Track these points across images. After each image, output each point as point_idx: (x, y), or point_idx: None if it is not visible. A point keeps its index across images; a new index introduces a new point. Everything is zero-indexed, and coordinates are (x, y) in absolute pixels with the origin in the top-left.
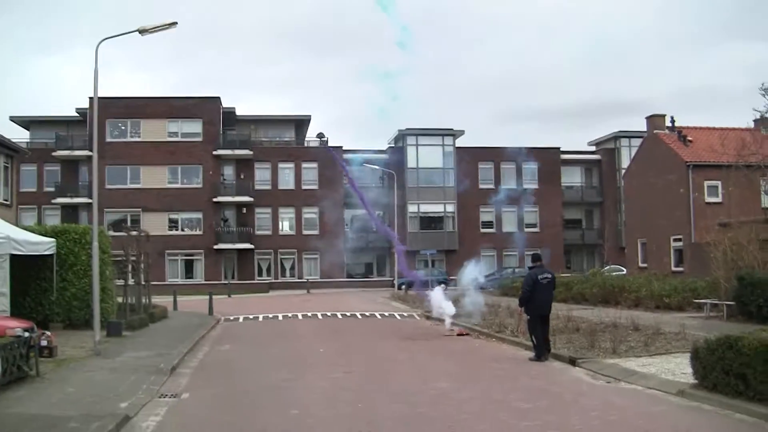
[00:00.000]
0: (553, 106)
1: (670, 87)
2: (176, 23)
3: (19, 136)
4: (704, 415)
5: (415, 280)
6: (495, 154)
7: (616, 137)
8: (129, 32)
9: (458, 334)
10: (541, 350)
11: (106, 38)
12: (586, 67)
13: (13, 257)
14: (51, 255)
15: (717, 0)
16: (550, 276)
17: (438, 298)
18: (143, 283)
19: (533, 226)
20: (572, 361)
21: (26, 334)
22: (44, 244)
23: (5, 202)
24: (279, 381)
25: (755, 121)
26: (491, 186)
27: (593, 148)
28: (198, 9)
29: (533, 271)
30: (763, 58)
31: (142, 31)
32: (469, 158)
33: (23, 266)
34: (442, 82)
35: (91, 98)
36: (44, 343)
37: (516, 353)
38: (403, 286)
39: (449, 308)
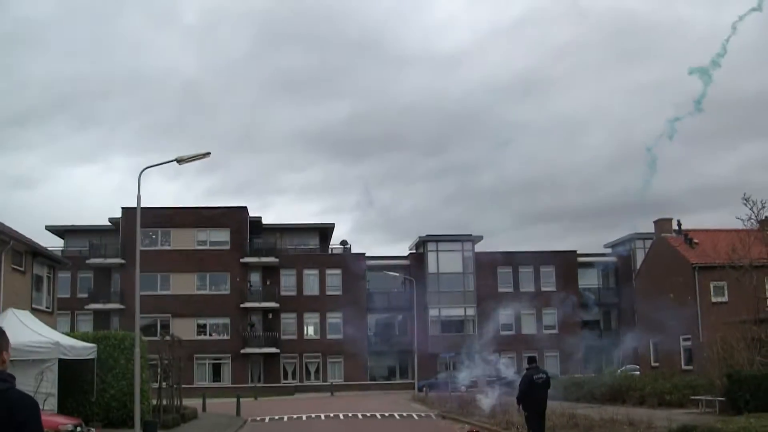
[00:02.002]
0: (579, 207)
1: (693, 185)
2: (209, 153)
3: (54, 244)
4: None
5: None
6: (513, 259)
7: (631, 239)
8: (168, 161)
9: None
10: None
11: (148, 167)
12: (611, 168)
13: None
14: (93, 359)
15: (733, 99)
16: (544, 376)
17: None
18: (175, 385)
19: (552, 327)
20: None
21: (78, 429)
22: (87, 349)
23: (47, 309)
24: None
25: (760, 221)
26: (510, 289)
27: (609, 251)
28: (233, 118)
29: (529, 371)
30: None
31: (179, 161)
32: (488, 263)
33: (66, 369)
34: (469, 183)
35: (124, 208)
36: None
37: None
38: (424, 388)
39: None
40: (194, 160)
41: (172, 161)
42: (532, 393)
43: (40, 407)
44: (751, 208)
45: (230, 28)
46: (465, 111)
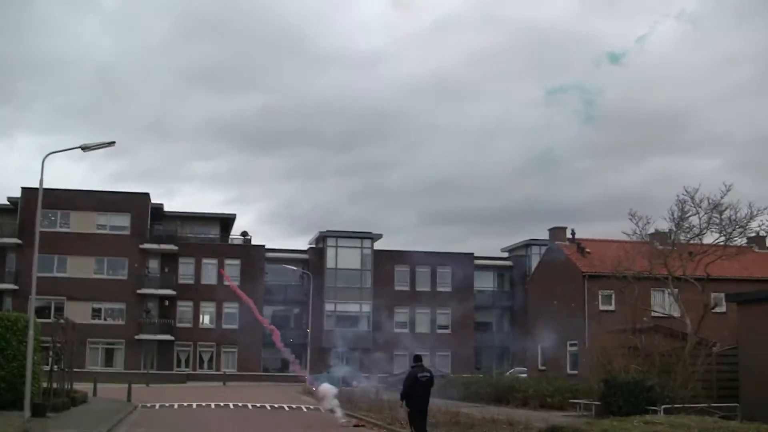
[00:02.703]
0: (486, 209)
1: (597, 195)
2: (114, 142)
3: None
4: None
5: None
6: (411, 258)
7: (527, 245)
8: (72, 148)
9: (354, 425)
10: None
11: (52, 152)
12: (518, 174)
13: None
14: None
15: (639, 117)
16: (428, 375)
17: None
18: (66, 369)
19: (446, 327)
20: None
21: None
22: None
23: None
24: None
25: (650, 235)
26: (406, 288)
27: (506, 255)
28: (145, 104)
29: (414, 369)
30: (681, 170)
31: (84, 148)
32: (386, 260)
33: None
34: (377, 182)
35: (24, 188)
36: None
37: None
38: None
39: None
40: (99, 148)
41: (76, 148)
42: (416, 390)
43: None
44: (636, 224)
45: (150, 15)
46: (379, 111)
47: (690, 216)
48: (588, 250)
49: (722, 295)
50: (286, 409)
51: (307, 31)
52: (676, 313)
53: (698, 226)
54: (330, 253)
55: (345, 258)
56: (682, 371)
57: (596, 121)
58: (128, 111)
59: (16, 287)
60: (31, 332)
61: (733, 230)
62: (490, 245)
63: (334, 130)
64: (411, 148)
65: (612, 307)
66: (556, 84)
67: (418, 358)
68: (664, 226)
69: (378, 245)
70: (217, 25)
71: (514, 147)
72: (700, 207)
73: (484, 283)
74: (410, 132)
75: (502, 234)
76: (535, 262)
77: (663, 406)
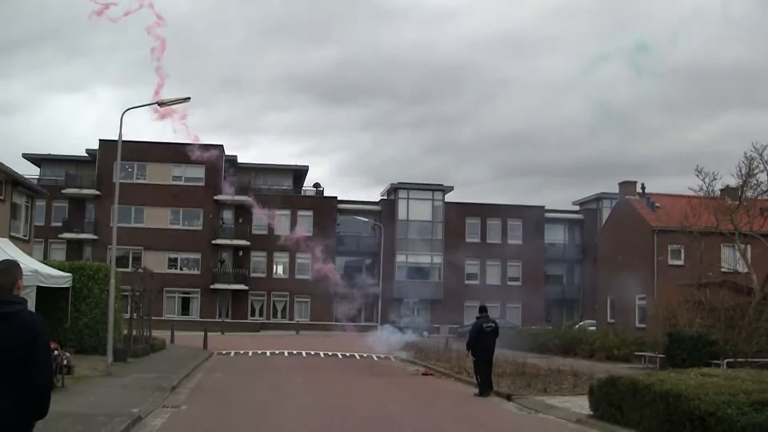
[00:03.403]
0: (558, 163)
1: (669, 150)
2: (189, 98)
3: (30, 172)
4: None
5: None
6: (481, 210)
7: (598, 198)
8: (149, 104)
9: (423, 374)
10: (484, 387)
11: (130, 108)
12: (591, 128)
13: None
14: (68, 288)
15: (714, 70)
16: (493, 325)
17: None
18: (145, 317)
19: (516, 279)
20: (508, 397)
21: (54, 353)
22: (63, 278)
23: (24, 237)
24: (261, 402)
25: (721, 190)
26: (477, 240)
27: (577, 208)
28: (220, 58)
29: (479, 320)
30: (758, 124)
31: (160, 104)
32: (458, 213)
33: (43, 296)
34: (450, 134)
35: (102, 140)
36: (65, 362)
37: (467, 390)
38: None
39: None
40: (175, 103)
41: (153, 104)
42: (481, 341)
43: None
44: (703, 179)
45: None
46: (452, 65)
47: (758, 173)
48: (658, 204)
49: None
50: (357, 357)
51: None
52: (744, 269)
53: (766, 183)
54: (401, 204)
55: (416, 210)
56: (747, 326)
57: (668, 77)
58: (204, 64)
59: (95, 237)
60: (112, 281)
61: None
62: (562, 198)
63: (408, 83)
64: (483, 102)
65: (681, 262)
66: (629, 40)
67: (483, 309)
68: (732, 182)
69: (449, 197)
70: None
71: (587, 102)
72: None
73: (555, 235)
74: (483, 86)
75: (574, 186)
76: (605, 215)
77: (726, 360)
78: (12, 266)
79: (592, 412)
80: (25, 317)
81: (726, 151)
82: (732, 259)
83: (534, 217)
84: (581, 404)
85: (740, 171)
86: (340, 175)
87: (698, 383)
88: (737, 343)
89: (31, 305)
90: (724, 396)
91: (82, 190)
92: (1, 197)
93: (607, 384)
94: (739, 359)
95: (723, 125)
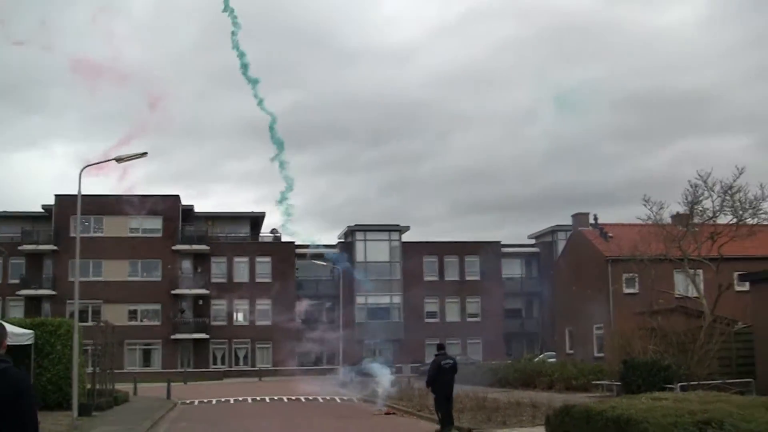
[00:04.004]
0: (515, 197)
1: (626, 178)
2: (146, 153)
3: None
4: None
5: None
6: (439, 248)
7: (553, 231)
8: (107, 160)
9: (386, 413)
10: (445, 423)
11: (87, 165)
12: (546, 159)
13: None
14: (30, 345)
15: (664, 101)
16: (451, 362)
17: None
18: (108, 370)
19: (475, 316)
20: (469, 431)
21: None
22: (25, 336)
23: None
24: None
25: (672, 217)
26: (435, 278)
27: (533, 241)
28: (177, 107)
29: (438, 357)
30: (713, 150)
31: (118, 160)
32: (415, 252)
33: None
34: (408, 174)
35: (57, 195)
36: None
37: (429, 427)
38: (351, 374)
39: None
40: (132, 159)
41: (110, 160)
42: (441, 377)
43: None
44: (650, 209)
45: (180, 19)
46: (408, 103)
47: (703, 199)
48: (610, 234)
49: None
50: (320, 400)
51: (334, 27)
52: (695, 294)
53: (711, 209)
54: (359, 246)
55: (374, 251)
56: (698, 350)
57: (621, 105)
58: (160, 114)
59: (53, 292)
60: (76, 336)
61: (744, 212)
62: (520, 231)
63: (365, 124)
64: (441, 139)
65: (635, 290)
66: (582, 72)
67: (441, 347)
68: (681, 209)
69: (406, 237)
70: (245, 27)
71: (543, 134)
72: (712, 190)
73: (513, 269)
74: (440, 123)
75: (531, 220)
76: (561, 247)
77: (679, 384)
78: None
79: None
80: (12, 374)
81: (682, 177)
82: (685, 284)
83: (491, 253)
84: None
85: (686, 198)
86: (299, 219)
87: (648, 407)
88: (690, 366)
89: None
90: (671, 418)
91: (39, 245)
92: None
93: (562, 413)
94: (692, 382)
95: (677, 151)
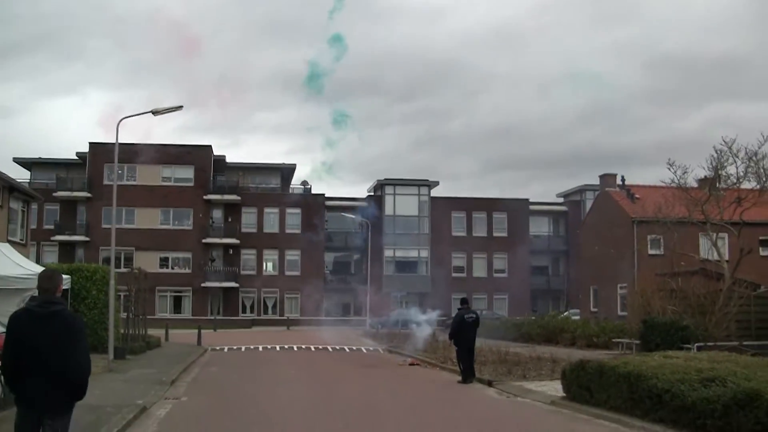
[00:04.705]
0: (545, 155)
1: (657, 140)
2: (182, 107)
3: (21, 176)
4: (556, 414)
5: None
6: (467, 204)
7: (582, 190)
8: (143, 113)
9: (410, 364)
10: (467, 374)
11: (125, 117)
12: (580, 119)
13: None
14: (66, 289)
15: (698, 64)
16: (474, 316)
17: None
18: (140, 316)
19: (502, 272)
20: (489, 383)
21: None
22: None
23: (21, 241)
24: (255, 392)
25: (698, 181)
26: (463, 233)
27: (561, 200)
28: (214, 59)
29: (460, 311)
30: (743, 115)
31: (154, 113)
32: (443, 207)
33: None
34: (440, 129)
35: (91, 143)
36: None
37: (451, 378)
38: (378, 326)
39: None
40: (168, 112)
41: (147, 113)
42: (463, 331)
43: None
44: (674, 172)
45: None
46: (442, 61)
47: (728, 165)
48: (637, 195)
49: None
50: (347, 350)
51: None
52: (718, 258)
53: (735, 175)
54: (388, 200)
55: (403, 205)
56: (717, 312)
57: (655, 67)
58: (196, 64)
59: (87, 239)
60: (112, 282)
61: None
62: (550, 189)
63: (396, 80)
64: (472, 97)
65: (660, 251)
66: (616, 33)
67: (464, 301)
68: (705, 174)
69: (435, 192)
70: None
71: (575, 94)
72: (737, 156)
73: (540, 227)
74: (472, 81)
75: (561, 178)
76: (589, 207)
77: (696, 344)
78: (55, 274)
79: (564, 395)
80: (67, 315)
81: (713, 141)
82: (708, 248)
83: (519, 210)
84: (557, 387)
85: (711, 164)
86: (329, 172)
87: (658, 364)
88: (707, 328)
89: None
90: (679, 375)
91: (73, 192)
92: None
93: (577, 368)
94: (709, 343)
95: (709, 115)
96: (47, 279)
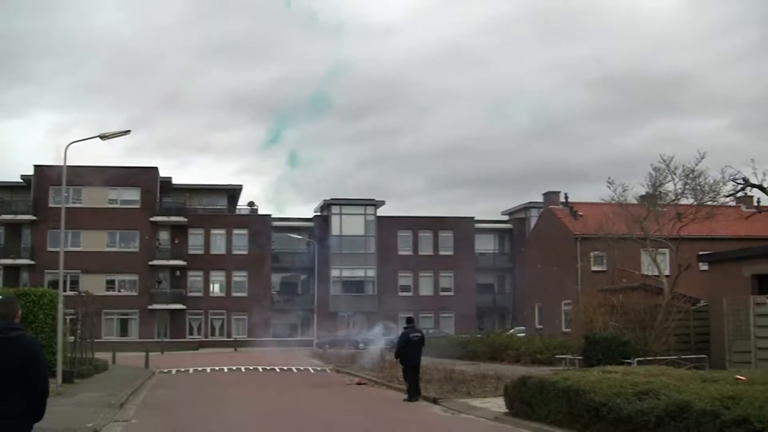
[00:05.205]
0: (493, 173)
1: (602, 157)
2: (130, 131)
3: None
4: (499, 430)
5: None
6: (414, 223)
7: (526, 207)
8: (91, 137)
9: (357, 383)
10: (413, 392)
11: (73, 142)
12: (526, 137)
13: None
14: None
15: (641, 81)
16: (419, 334)
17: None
18: (88, 339)
19: (448, 290)
20: (435, 401)
21: None
22: None
23: None
24: (206, 412)
25: (641, 197)
26: (410, 252)
27: (506, 218)
28: (161, 79)
29: (406, 330)
30: (685, 130)
31: (102, 137)
32: (390, 226)
33: None
34: (387, 148)
35: (36, 166)
36: None
37: (398, 396)
38: (325, 345)
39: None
40: (116, 136)
41: (95, 137)
42: (409, 349)
43: None
44: (614, 190)
45: None
46: (390, 79)
47: (666, 182)
48: (580, 213)
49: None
50: (294, 371)
51: (320, 2)
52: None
53: (674, 192)
54: (335, 220)
55: (349, 225)
56: (657, 327)
57: (601, 86)
58: (144, 86)
59: (32, 262)
60: (60, 306)
61: (705, 195)
62: (496, 207)
63: (345, 98)
64: (420, 115)
65: (604, 268)
66: (562, 52)
67: (410, 320)
68: (645, 191)
69: (382, 211)
70: (230, 1)
71: (522, 112)
72: (674, 174)
73: (486, 245)
74: (420, 99)
75: (507, 196)
76: (533, 224)
77: (636, 359)
78: (14, 300)
79: (507, 410)
80: (26, 341)
81: (658, 157)
82: (649, 264)
83: (464, 228)
84: (500, 404)
85: (650, 181)
86: (276, 192)
87: (597, 379)
88: (648, 342)
89: None
90: (615, 389)
91: (17, 216)
92: None
93: (519, 384)
94: (649, 357)
95: (654, 131)
96: (6, 305)
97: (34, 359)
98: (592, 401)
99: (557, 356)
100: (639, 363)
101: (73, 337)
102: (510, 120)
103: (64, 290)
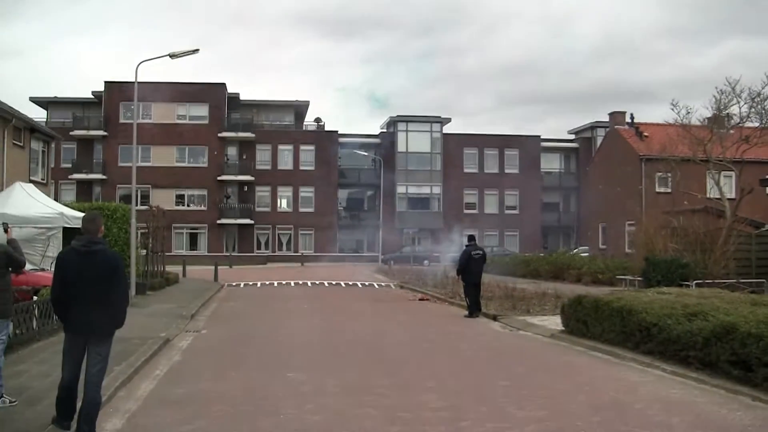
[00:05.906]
0: (560, 91)
1: (672, 77)
2: (198, 50)
3: (38, 115)
4: (554, 346)
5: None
6: (479, 141)
7: (593, 127)
8: (161, 56)
9: (420, 299)
10: (473, 309)
11: (144, 61)
12: (595, 56)
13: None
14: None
15: None
16: (481, 252)
17: None
18: (159, 252)
19: (513, 208)
20: (494, 317)
21: None
22: None
23: (42, 181)
24: (273, 324)
25: (707, 119)
26: (475, 170)
27: (573, 137)
28: None
29: (468, 248)
30: (757, 51)
31: (172, 56)
32: (456, 144)
33: (67, 236)
34: (454, 65)
35: (107, 82)
36: None
37: (458, 312)
38: (390, 261)
39: None
40: (185, 55)
41: (165, 56)
42: (470, 266)
43: (49, 268)
44: (677, 113)
45: None
46: None
47: (732, 105)
48: (646, 133)
49: None
50: (359, 286)
51: None
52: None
53: (738, 115)
54: (401, 137)
55: (415, 141)
56: (717, 250)
57: (672, 2)
58: (211, 3)
59: (104, 177)
60: (133, 220)
61: None
62: (563, 126)
63: (412, 16)
64: (487, 32)
65: (668, 189)
66: None
67: (471, 238)
68: (708, 114)
69: (448, 129)
70: None
71: (591, 30)
72: (740, 97)
73: (552, 164)
74: (487, 17)
75: (576, 114)
76: (599, 143)
77: (695, 281)
78: (97, 216)
79: (563, 328)
80: (108, 254)
81: (733, 76)
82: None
83: (530, 147)
84: (557, 322)
85: (715, 104)
86: (344, 109)
87: (649, 300)
88: (707, 265)
89: (59, 245)
90: (666, 309)
91: (89, 131)
92: (21, 144)
93: (574, 303)
94: (708, 280)
95: (725, 50)
96: (90, 221)
97: (115, 271)
98: (643, 321)
99: (618, 277)
100: (697, 285)
101: (145, 251)
102: (579, 39)
103: (136, 205)
